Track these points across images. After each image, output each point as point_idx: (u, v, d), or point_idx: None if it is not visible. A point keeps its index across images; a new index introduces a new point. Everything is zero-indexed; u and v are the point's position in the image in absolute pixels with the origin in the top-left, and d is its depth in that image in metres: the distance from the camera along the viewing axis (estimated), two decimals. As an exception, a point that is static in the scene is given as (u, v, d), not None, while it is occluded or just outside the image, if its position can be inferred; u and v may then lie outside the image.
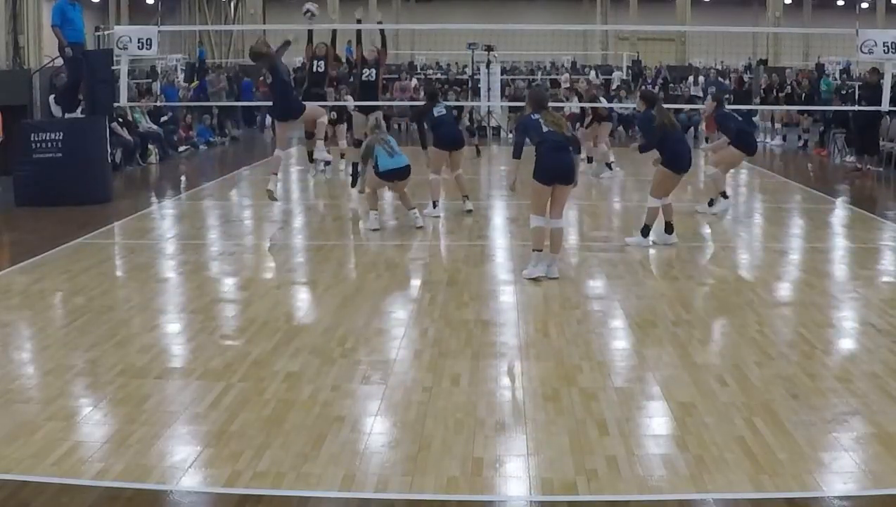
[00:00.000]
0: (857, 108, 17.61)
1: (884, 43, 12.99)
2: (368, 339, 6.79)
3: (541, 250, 8.45)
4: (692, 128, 22.48)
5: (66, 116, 13.55)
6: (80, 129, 13.11)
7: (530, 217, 8.63)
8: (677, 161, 9.89)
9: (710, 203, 12.07)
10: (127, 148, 16.74)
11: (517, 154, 8.54)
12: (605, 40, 47.43)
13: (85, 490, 4.36)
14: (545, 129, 8.39)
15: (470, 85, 24.11)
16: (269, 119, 25.29)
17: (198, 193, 14.36)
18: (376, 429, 5.14)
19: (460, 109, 22.13)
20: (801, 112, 21.77)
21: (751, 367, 6.12)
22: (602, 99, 17.39)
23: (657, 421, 5.28)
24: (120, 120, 16.45)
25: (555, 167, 8.33)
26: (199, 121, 21.64)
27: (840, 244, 10.78)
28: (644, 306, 7.69)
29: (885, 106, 13.67)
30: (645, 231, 10.02)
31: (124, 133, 16.74)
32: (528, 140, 8.53)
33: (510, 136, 20.35)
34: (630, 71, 32.88)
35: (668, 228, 10.07)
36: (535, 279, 8.34)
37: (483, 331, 6.97)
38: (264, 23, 40.88)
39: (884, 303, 7.74)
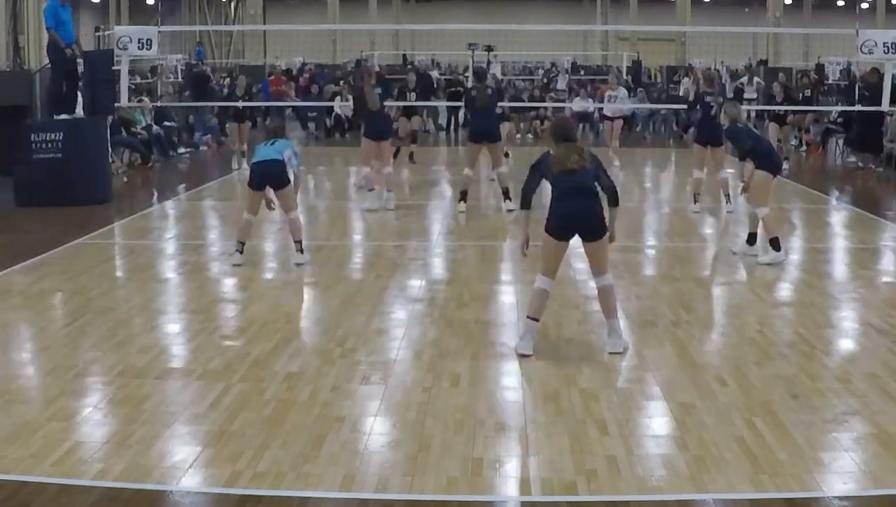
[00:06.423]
0: (858, 108, 17.65)
1: (884, 43, 13.02)
2: (368, 339, 6.79)
3: (537, 320, 6.45)
4: None
5: (66, 116, 13.50)
6: (80, 129, 13.10)
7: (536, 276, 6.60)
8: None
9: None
10: (135, 148, 16.73)
11: (526, 203, 6.58)
12: (605, 41, 47.52)
13: (85, 491, 4.36)
14: (557, 169, 6.47)
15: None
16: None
17: (198, 193, 14.34)
18: (376, 429, 5.14)
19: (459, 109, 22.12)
20: (803, 112, 21.74)
21: (751, 367, 6.12)
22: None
23: (657, 421, 5.29)
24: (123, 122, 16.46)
25: (567, 216, 6.40)
26: (203, 121, 21.53)
27: (840, 245, 10.77)
28: (644, 306, 7.69)
29: (886, 106, 13.72)
30: (776, 244, 9.01)
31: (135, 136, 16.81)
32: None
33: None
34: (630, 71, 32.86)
35: (751, 239, 9.33)
36: (527, 356, 6.33)
37: (483, 331, 6.96)
38: (264, 23, 40.94)
39: (884, 303, 7.74)
